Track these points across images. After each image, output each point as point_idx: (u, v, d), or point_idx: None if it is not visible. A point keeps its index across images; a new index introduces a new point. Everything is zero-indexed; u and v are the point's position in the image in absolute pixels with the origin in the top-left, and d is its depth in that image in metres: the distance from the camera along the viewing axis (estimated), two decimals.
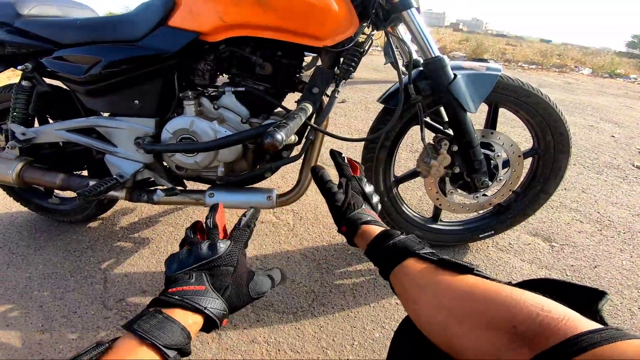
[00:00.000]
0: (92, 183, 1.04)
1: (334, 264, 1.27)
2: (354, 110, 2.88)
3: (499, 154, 1.06)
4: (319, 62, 1.02)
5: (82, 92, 1.06)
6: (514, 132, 2.43)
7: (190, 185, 1.31)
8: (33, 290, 1.23)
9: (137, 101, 1.02)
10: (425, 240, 1.20)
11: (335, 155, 0.81)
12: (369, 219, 0.70)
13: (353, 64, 0.95)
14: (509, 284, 0.42)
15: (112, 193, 1.08)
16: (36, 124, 1.25)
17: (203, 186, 1.16)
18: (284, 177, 1.88)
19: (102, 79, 0.99)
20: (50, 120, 1.22)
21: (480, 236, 1.27)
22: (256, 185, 1.15)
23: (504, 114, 1.19)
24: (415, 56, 1.02)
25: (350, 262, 1.28)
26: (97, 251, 1.39)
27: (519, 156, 1.08)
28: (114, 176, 1.05)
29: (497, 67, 0.99)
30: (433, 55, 0.94)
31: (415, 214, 1.26)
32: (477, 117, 1.10)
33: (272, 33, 0.90)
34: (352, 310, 1.09)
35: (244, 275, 0.57)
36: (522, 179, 1.17)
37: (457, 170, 1.06)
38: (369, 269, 1.24)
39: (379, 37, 1.03)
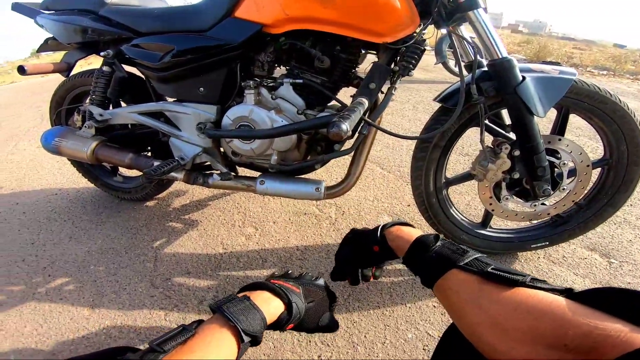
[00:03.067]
0: (156, 163, 1.12)
1: None
2: (401, 109, 2.83)
3: (566, 162, 1.00)
4: (376, 59, 1.02)
5: (155, 79, 1.14)
6: (578, 140, 2.27)
7: (242, 172, 1.36)
8: (90, 264, 1.33)
9: (202, 88, 1.08)
10: (473, 246, 1.18)
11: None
12: (389, 221, 0.75)
13: (413, 61, 0.94)
14: (570, 291, 0.41)
15: (172, 174, 1.15)
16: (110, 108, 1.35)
17: (254, 173, 1.20)
18: (328, 171, 1.89)
19: (173, 66, 1.06)
20: (123, 104, 1.32)
21: (532, 246, 1.20)
22: (305, 176, 1.17)
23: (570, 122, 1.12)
24: (474, 57, 0.98)
25: (390, 261, 1.26)
26: (151, 229, 1.48)
27: (588, 166, 1.00)
28: (176, 158, 1.12)
29: (572, 71, 0.93)
30: (500, 56, 0.90)
31: (464, 218, 1.22)
32: (541, 123, 1.04)
33: (333, 27, 0.91)
34: (387, 309, 1.08)
35: (324, 309, 0.66)
36: (587, 190, 1.09)
37: (516, 176, 1.01)
38: (408, 270, 1.22)
39: (430, 36, 1.01)
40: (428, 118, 1.10)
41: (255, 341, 0.49)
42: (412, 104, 2.97)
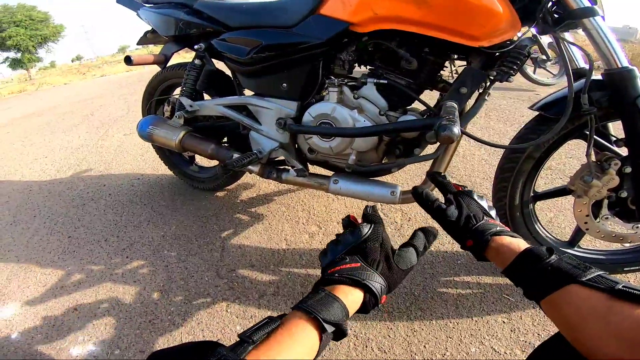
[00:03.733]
0: (235, 155, 1.16)
1: (440, 271, 1.20)
2: (487, 120, 2.68)
3: None
4: (469, 63, 0.96)
5: (240, 73, 1.18)
6: None
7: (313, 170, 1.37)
8: (164, 249, 1.41)
9: (284, 84, 1.10)
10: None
11: (435, 175, 0.77)
12: (498, 229, 0.63)
13: (515, 67, 0.87)
14: None
15: (249, 167, 1.18)
16: None
17: (325, 172, 1.20)
18: (393, 175, 1.85)
19: (259, 61, 1.09)
20: (207, 97, 1.39)
21: (625, 269, 1.07)
22: (380, 178, 1.15)
23: None
24: (590, 65, 0.89)
25: (458, 273, 1.19)
26: (219, 219, 1.55)
27: None
28: (254, 151, 1.15)
29: None
30: (620, 66, 0.80)
31: (549, 235, 1.11)
32: None
33: (425, 29, 0.87)
34: (451, 321, 1.01)
35: (390, 251, 0.58)
36: None
37: (623, 194, 0.90)
38: (477, 282, 1.14)
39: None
40: (502, 127, 1.02)
41: (341, 331, 0.48)
42: (484, 111, 2.80)
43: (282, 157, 1.21)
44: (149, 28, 1.45)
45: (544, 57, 3.53)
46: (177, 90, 1.54)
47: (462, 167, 1.92)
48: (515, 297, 1.07)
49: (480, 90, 0.96)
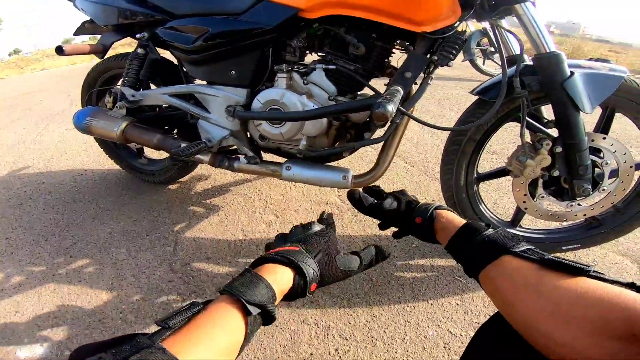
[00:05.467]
0: (183, 145, 1.12)
1: (396, 255, 1.23)
2: (426, 105, 2.78)
3: (608, 161, 0.95)
4: (412, 48, 0.99)
5: (187, 61, 1.14)
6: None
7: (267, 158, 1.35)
8: (111, 246, 1.33)
9: (233, 71, 1.07)
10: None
11: (368, 188, 0.83)
12: (440, 204, 0.68)
13: (454, 51, 0.92)
14: (633, 285, 0.39)
15: (198, 156, 1.15)
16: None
17: (280, 159, 1.19)
18: (350, 162, 1.87)
19: (207, 48, 1.05)
20: (153, 86, 1.33)
21: (563, 248, 1.16)
22: (332, 163, 1.15)
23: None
24: (520, 50, 0.94)
25: (413, 256, 1.24)
26: (172, 213, 1.49)
27: (631, 167, 0.95)
28: (203, 140, 1.11)
29: (622, 69, 0.89)
30: (548, 50, 0.86)
31: (493, 216, 1.18)
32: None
33: (371, 14, 0.89)
34: (409, 305, 1.05)
35: (334, 250, 0.59)
36: (627, 193, 1.04)
37: (555, 173, 0.97)
38: (432, 265, 1.19)
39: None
40: (454, 115, 1.07)
41: (268, 314, 0.46)
42: (437, 100, 2.91)
43: (234, 146, 1.18)
44: (87, 18, 1.36)
45: (492, 49, 3.75)
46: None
47: (415, 152, 1.98)
48: (466, 279, 1.12)
49: (424, 75, 0.99)
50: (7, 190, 1.84)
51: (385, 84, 1.01)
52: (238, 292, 0.45)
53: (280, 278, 0.49)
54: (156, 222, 1.45)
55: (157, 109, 1.36)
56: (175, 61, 1.29)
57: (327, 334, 0.97)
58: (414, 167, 1.82)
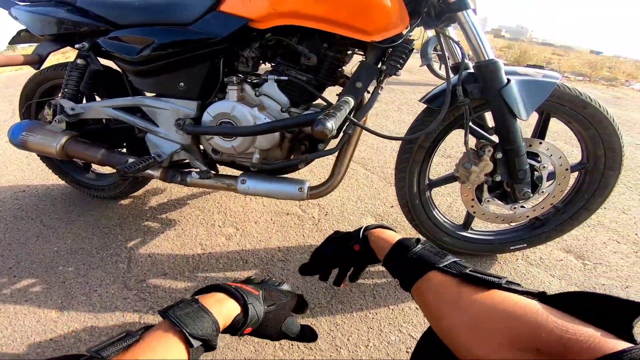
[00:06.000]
0: (131, 160, 1.07)
1: None
2: (386, 110, 2.84)
3: (545, 165, 1.01)
4: (363, 58, 1.01)
5: (132, 72, 1.09)
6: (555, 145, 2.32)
7: (223, 170, 1.32)
8: (59, 265, 1.26)
9: (182, 83, 1.04)
10: (454, 248, 1.18)
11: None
12: (371, 224, 0.77)
13: (401, 60, 0.93)
14: (543, 294, 0.41)
15: (148, 171, 1.10)
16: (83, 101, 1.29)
17: (236, 172, 1.16)
18: (311, 171, 1.87)
19: (153, 60, 1.02)
20: (97, 99, 1.26)
21: (511, 248, 1.22)
22: (288, 175, 1.15)
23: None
24: (462, 58, 0.98)
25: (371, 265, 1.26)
26: (125, 229, 1.42)
27: (567, 169, 1.02)
28: (152, 155, 1.07)
29: (555, 75, 0.95)
30: (487, 58, 0.90)
31: (446, 220, 1.22)
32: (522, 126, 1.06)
33: (321, 24, 0.90)
34: (371, 311, 1.07)
35: (286, 314, 0.62)
36: (565, 193, 1.11)
37: (498, 178, 1.02)
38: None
39: (416, 38, 1.02)
40: (411, 119, 1.10)
41: (209, 346, 0.47)
42: (396, 106, 2.99)
43: (186, 159, 1.14)
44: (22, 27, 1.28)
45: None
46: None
47: (375, 158, 2.02)
48: None
49: (376, 84, 1.00)
50: None
51: (337, 94, 1.02)
52: (182, 324, 0.44)
53: (226, 311, 0.50)
54: (107, 239, 1.38)
55: (103, 122, 1.29)
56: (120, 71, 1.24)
57: (292, 345, 0.96)
58: (374, 174, 1.85)
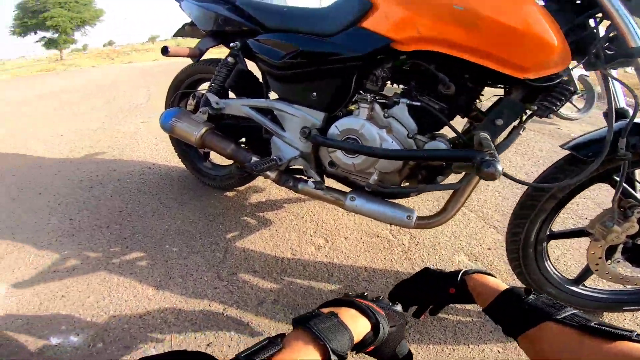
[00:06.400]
0: (254, 158, 1.15)
1: None
2: (505, 152, 2.62)
3: None
4: (507, 94, 0.95)
5: (271, 76, 1.17)
6: None
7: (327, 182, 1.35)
8: (166, 243, 1.39)
9: (314, 93, 1.09)
10: (558, 300, 1.04)
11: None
12: (469, 268, 0.75)
13: (558, 102, 0.85)
14: None
15: (267, 172, 1.17)
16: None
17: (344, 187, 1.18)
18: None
19: (294, 66, 1.08)
20: (232, 95, 1.39)
21: (624, 308, 1.07)
22: (397, 200, 1.13)
23: None
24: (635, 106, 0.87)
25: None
26: (226, 220, 1.53)
27: None
28: (274, 157, 1.14)
29: None
30: None
31: (556, 272, 1.10)
32: None
33: (470, 55, 0.85)
34: (448, 347, 1.00)
35: (402, 336, 0.62)
36: None
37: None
38: (478, 311, 1.12)
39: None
40: (519, 160, 1.02)
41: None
42: (513, 148, 2.76)
43: (300, 166, 1.19)
44: (188, 20, 1.45)
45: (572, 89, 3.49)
46: (203, 86, 1.54)
47: (474, 197, 1.89)
48: None
49: (516, 124, 0.94)
50: (81, 172, 2.01)
51: (465, 126, 0.98)
52: (326, 339, 0.45)
53: (360, 329, 0.51)
54: (210, 226, 1.50)
55: (235, 118, 1.41)
56: (258, 74, 1.34)
57: None
58: (472, 212, 1.74)
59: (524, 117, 0.91)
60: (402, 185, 1.08)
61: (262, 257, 1.32)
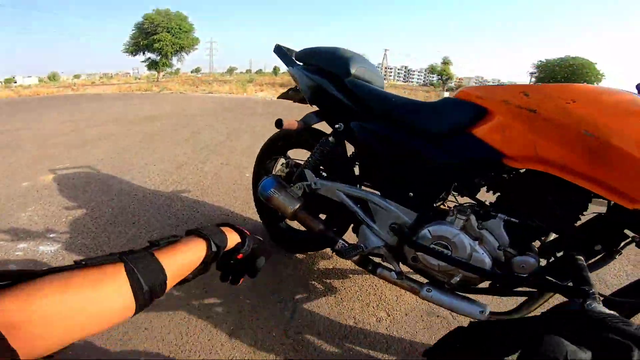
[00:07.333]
0: (341, 242, 1.21)
1: None
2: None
3: None
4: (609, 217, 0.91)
5: (369, 165, 1.23)
6: None
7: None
8: (241, 293, 1.47)
9: (411, 193, 1.12)
10: None
11: None
12: None
13: None
14: None
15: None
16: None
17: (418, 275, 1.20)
18: None
19: (397, 163, 1.11)
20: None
21: None
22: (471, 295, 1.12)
23: None
24: None
25: None
26: (295, 281, 1.59)
27: None
28: (360, 245, 1.18)
29: None
30: None
31: None
32: None
33: (584, 181, 0.82)
34: None
35: (262, 254, 0.68)
36: None
37: None
38: None
39: None
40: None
41: (219, 248, 0.59)
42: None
43: (381, 253, 1.23)
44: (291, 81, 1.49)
45: None
46: (290, 151, 1.66)
47: None
48: None
49: (613, 249, 0.91)
50: (169, 207, 2.22)
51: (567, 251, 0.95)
52: (209, 235, 0.58)
53: (233, 238, 0.63)
54: (280, 285, 1.56)
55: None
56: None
57: None
58: None
59: (624, 245, 0.88)
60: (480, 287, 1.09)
61: (327, 322, 1.37)
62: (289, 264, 1.71)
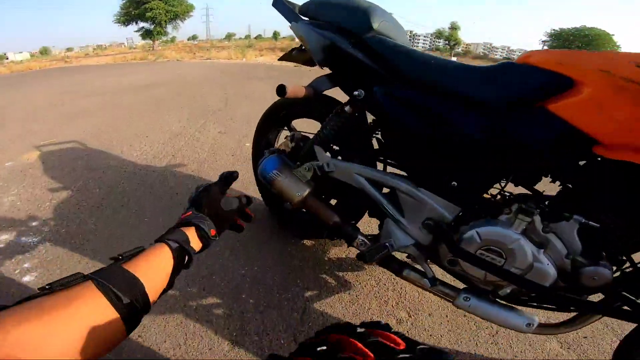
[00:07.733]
0: (360, 238, 0.99)
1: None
2: None
3: None
4: None
5: (398, 145, 0.99)
6: None
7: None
8: (243, 291, 1.31)
9: (455, 182, 0.88)
10: None
11: None
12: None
13: None
14: None
15: None
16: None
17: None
18: None
19: (440, 141, 0.86)
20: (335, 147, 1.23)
21: None
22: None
23: None
24: None
25: None
26: (305, 275, 1.42)
27: None
28: (386, 244, 0.96)
29: None
30: None
31: None
32: None
33: None
34: None
35: (218, 198, 0.68)
36: None
37: None
38: None
39: None
40: None
41: (186, 251, 0.56)
42: None
43: (409, 253, 1.01)
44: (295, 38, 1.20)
45: None
46: (294, 121, 1.44)
47: None
48: None
49: None
50: (162, 185, 2.01)
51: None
52: (170, 239, 0.54)
53: (191, 236, 0.59)
54: (287, 279, 1.38)
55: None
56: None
57: None
58: None
59: None
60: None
61: None
62: (295, 253, 1.51)
